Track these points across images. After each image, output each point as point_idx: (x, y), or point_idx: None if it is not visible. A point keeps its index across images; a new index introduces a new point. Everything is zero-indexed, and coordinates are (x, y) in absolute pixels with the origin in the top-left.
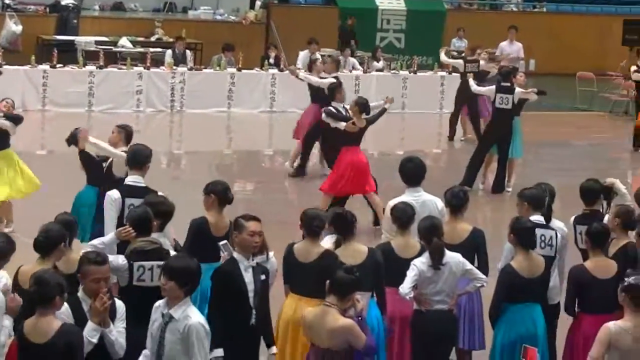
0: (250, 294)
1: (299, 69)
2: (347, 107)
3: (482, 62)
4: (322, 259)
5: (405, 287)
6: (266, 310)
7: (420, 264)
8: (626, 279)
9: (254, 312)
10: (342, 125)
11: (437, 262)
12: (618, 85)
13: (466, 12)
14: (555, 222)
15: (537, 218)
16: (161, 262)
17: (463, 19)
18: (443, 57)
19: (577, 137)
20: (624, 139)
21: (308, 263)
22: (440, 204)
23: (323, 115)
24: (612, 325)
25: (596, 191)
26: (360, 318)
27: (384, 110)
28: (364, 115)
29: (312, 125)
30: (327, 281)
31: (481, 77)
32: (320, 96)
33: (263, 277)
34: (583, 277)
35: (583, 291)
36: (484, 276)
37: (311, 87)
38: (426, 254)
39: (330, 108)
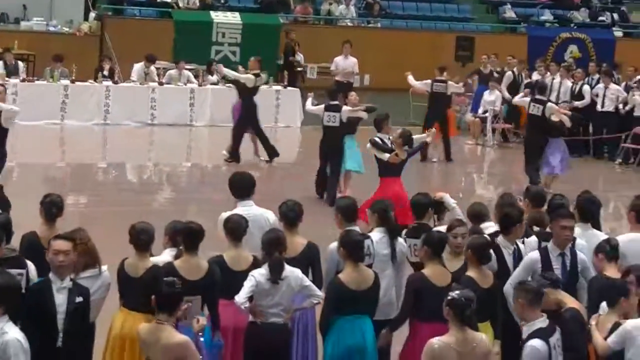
0: (60, 316)
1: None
2: (391, 138)
3: None
4: (149, 273)
5: (241, 297)
6: (84, 330)
7: (258, 275)
8: (450, 293)
9: (60, 334)
10: (385, 156)
11: (276, 276)
12: (451, 100)
13: (301, 26)
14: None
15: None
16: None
17: (298, 33)
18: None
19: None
20: (454, 154)
21: (137, 277)
22: (272, 217)
23: (368, 145)
24: (435, 341)
25: (425, 205)
26: (201, 335)
27: (424, 143)
28: (405, 147)
29: (239, 119)
30: (152, 296)
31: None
32: (243, 92)
33: (80, 299)
34: (421, 284)
35: (421, 298)
36: (320, 293)
37: (237, 84)
38: (265, 266)
39: (376, 139)
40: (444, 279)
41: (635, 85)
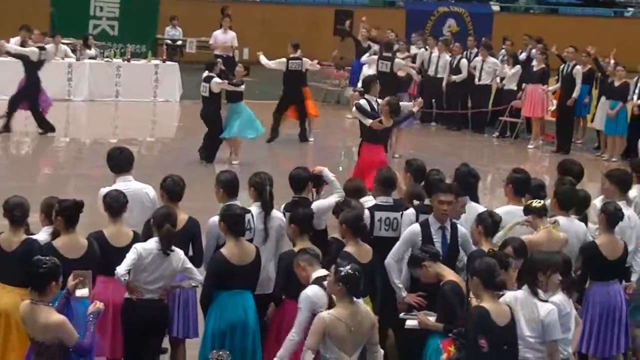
0: None
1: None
2: (380, 101)
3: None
4: (22, 247)
5: (122, 269)
6: None
7: (142, 248)
8: (341, 269)
9: None
10: (368, 122)
11: (166, 246)
12: (330, 75)
13: (181, 0)
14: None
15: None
16: None
17: (177, 7)
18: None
19: (290, 126)
20: (334, 128)
21: (10, 252)
22: (151, 192)
23: (353, 108)
24: (326, 314)
25: (304, 179)
26: (92, 317)
27: (411, 113)
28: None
29: (19, 91)
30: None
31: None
32: (27, 66)
33: None
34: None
35: (292, 277)
36: (200, 278)
37: (21, 57)
38: (154, 239)
39: (362, 102)
40: (366, 256)
41: (505, 59)
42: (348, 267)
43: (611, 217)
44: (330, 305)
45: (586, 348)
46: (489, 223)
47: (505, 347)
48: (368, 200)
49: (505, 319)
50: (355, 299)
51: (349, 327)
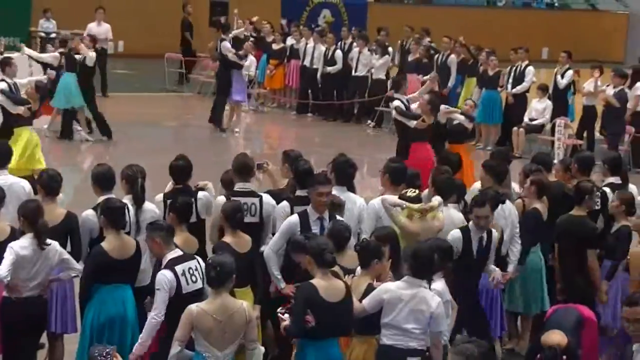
0: None
1: None
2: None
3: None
4: None
5: (4, 270)
6: None
7: (17, 246)
8: (209, 259)
9: None
10: (412, 123)
11: (42, 241)
12: (206, 67)
13: None
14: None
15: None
16: None
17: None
18: None
19: (168, 118)
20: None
21: None
22: (27, 186)
23: (393, 112)
24: (194, 307)
25: (186, 168)
26: None
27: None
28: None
29: None
30: None
31: None
32: None
33: None
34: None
35: None
36: (78, 266)
37: None
38: (28, 235)
39: (399, 104)
40: (193, 247)
41: (374, 48)
42: (212, 258)
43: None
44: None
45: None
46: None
47: (335, 323)
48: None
49: (337, 296)
50: (226, 292)
51: (218, 321)
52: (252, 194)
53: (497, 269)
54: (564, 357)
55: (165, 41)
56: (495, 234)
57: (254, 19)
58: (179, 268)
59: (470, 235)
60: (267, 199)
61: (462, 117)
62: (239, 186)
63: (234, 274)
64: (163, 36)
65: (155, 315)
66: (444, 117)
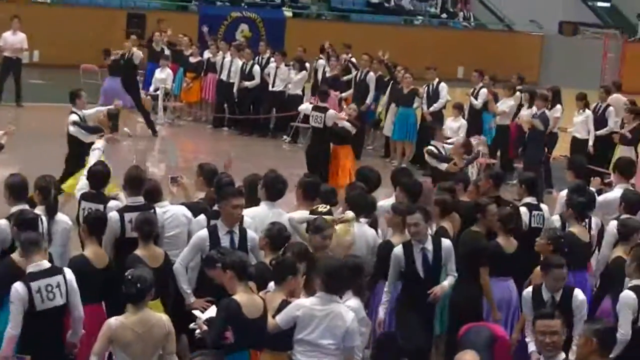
0: None
1: None
2: (446, 146)
3: None
4: None
5: None
6: None
7: None
8: (126, 274)
9: None
10: (444, 166)
11: None
12: None
13: None
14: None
15: None
16: None
17: None
18: None
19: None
20: (132, 132)
21: None
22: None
23: (426, 155)
24: (113, 320)
25: (104, 174)
26: None
27: (478, 154)
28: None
29: None
30: None
31: None
32: None
33: None
34: (81, 266)
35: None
36: None
37: None
38: None
39: (432, 148)
40: (102, 261)
41: (291, 64)
42: (131, 272)
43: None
44: None
45: None
46: (274, 233)
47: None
48: (165, 205)
49: (256, 312)
50: (145, 306)
51: (137, 334)
52: (143, 207)
53: (443, 284)
54: None
55: (81, 52)
56: (445, 243)
57: (168, 32)
58: (34, 284)
59: (413, 250)
60: (200, 219)
61: (347, 124)
62: (130, 200)
63: (153, 287)
64: (79, 47)
65: (10, 328)
66: (331, 121)
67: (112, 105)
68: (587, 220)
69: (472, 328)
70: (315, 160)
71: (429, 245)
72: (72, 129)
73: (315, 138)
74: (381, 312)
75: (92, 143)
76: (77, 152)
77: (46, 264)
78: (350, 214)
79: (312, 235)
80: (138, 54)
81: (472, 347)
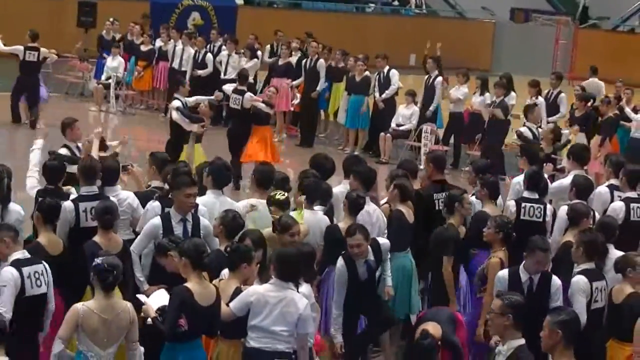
0: None
1: None
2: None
3: None
4: None
5: None
6: None
7: None
8: (96, 260)
9: None
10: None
11: None
12: (73, 67)
13: None
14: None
15: None
16: None
17: None
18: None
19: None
20: (84, 120)
21: None
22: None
23: (514, 137)
24: (80, 306)
25: (61, 169)
26: None
27: (568, 142)
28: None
29: None
30: None
31: None
32: None
33: None
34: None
35: None
36: None
37: None
38: None
39: (523, 130)
40: (56, 248)
41: (242, 52)
42: (101, 259)
43: (352, 204)
44: None
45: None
46: (228, 220)
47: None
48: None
49: (209, 300)
50: (110, 292)
51: (104, 320)
52: (98, 197)
53: (388, 284)
54: (439, 342)
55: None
56: (384, 246)
57: (111, 19)
58: (25, 270)
59: (356, 265)
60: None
61: (262, 105)
62: (84, 189)
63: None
64: (20, 36)
65: (2, 313)
66: (248, 103)
67: (214, 96)
68: (498, 200)
69: (432, 308)
70: (236, 141)
71: (371, 256)
72: (174, 115)
73: (235, 120)
74: (339, 337)
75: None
76: (176, 138)
77: (27, 254)
78: (302, 198)
79: (280, 235)
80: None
81: (433, 320)
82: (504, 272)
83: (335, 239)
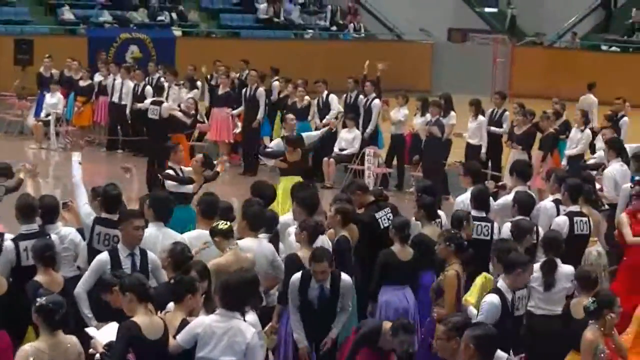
0: None
1: None
2: None
3: None
4: None
5: None
6: None
7: None
8: (38, 300)
9: None
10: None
11: None
12: (12, 105)
13: None
14: None
15: None
16: None
17: None
18: None
19: None
20: (18, 159)
21: None
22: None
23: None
24: (28, 346)
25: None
26: None
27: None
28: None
29: None
30: None
31: None
32: None
33: None
34: None
35: None
36: None
37: None
38: None
39: None
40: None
41: (182, 83)
42: (44, 298)
43: (314, 232)
44: None
45: None
46: (177, 252)
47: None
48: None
49: (157, 333)
50: (56, 330)
51: (53, 358)
52: (38, 234)
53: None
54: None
55: None
56: (345, 281)
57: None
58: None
59: (309, 284)
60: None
61: (179, 114)
62: (24, 228)
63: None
64: None
65: None
66: (166, 112)
67: None
68: (438, 220)
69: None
70: (154, 152)
71: (327, 283)
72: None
73: (152, 132)
74: (304, 341)
75: None
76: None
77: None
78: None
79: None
80: None
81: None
82: (496, 299)
83: (297, 268)
